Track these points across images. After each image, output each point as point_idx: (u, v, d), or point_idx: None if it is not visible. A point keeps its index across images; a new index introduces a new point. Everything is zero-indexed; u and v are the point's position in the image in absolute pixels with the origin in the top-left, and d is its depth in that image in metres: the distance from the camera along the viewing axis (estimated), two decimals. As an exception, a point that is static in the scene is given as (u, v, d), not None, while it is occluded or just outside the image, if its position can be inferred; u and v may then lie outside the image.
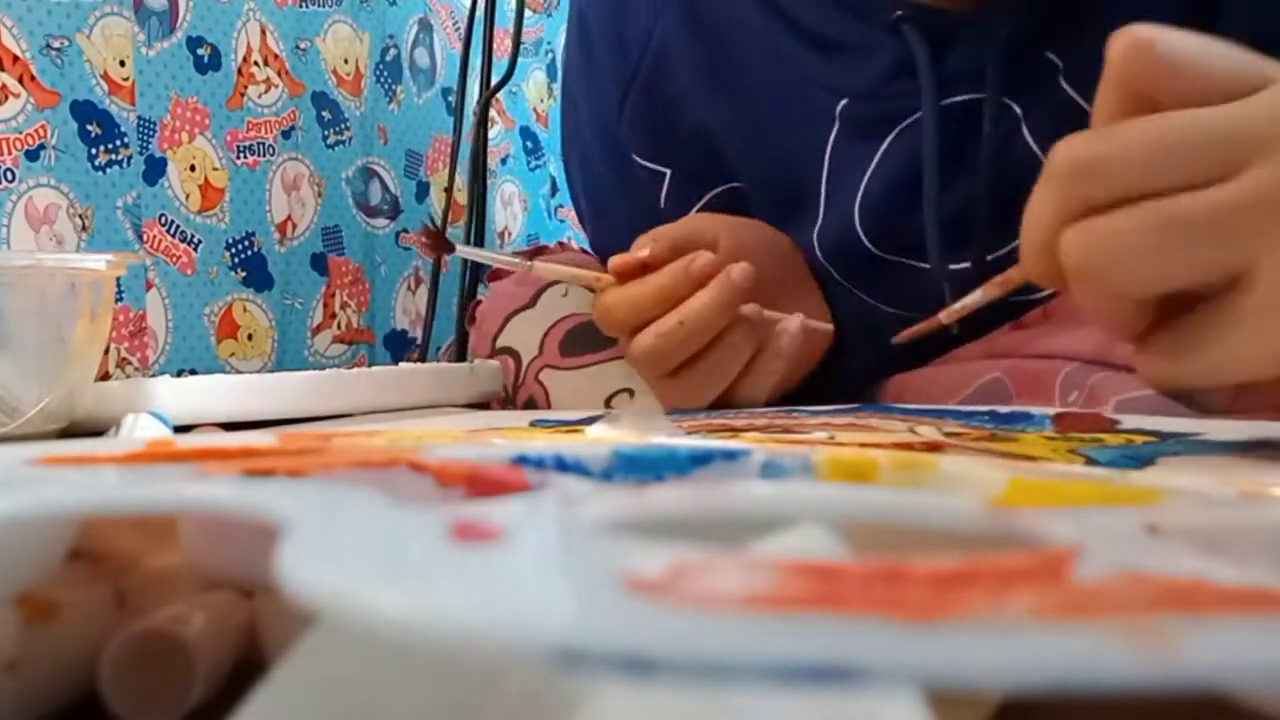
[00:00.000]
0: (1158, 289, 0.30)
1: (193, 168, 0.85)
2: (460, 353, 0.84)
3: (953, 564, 0.10)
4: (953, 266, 0.57)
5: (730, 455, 0.20)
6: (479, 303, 0.80)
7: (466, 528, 0.12)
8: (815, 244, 0.62)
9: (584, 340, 0.67)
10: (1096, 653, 0.08)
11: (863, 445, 0.29)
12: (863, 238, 0.61)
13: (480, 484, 0.17)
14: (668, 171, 0.66)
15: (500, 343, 0.71)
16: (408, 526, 0.12)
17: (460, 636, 0.09)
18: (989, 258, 0.57)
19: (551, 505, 0.14)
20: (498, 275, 0.84)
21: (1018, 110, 0.56)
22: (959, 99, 0.56)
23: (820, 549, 0.13)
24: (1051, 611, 0.09)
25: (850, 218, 0.61)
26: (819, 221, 0.62)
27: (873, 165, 0.59)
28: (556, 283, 0.72)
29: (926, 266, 0.58)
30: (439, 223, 0.97)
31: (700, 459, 0.19)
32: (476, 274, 0.87)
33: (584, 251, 0.89)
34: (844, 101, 0.59)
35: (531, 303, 0.71)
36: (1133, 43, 0.31)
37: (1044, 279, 0.32)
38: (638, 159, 0.66)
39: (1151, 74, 0.31)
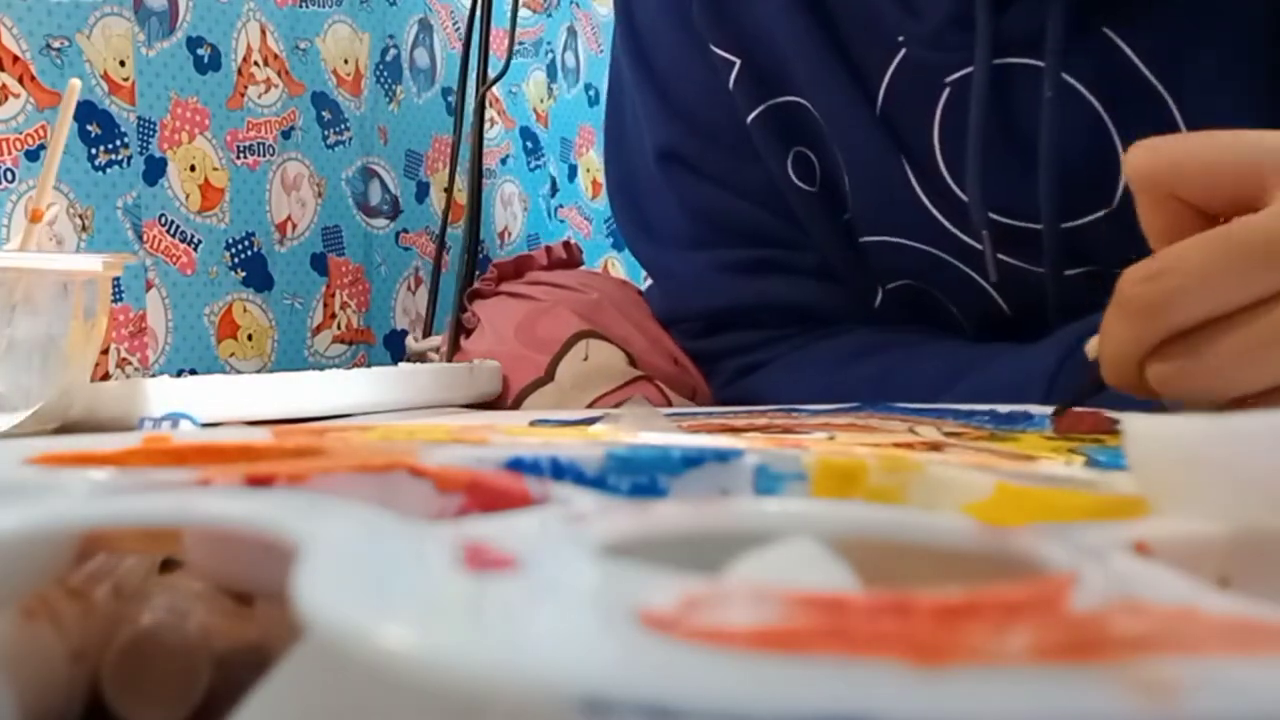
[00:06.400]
0: (1257, 388, 0.31)
1: (193, 168, 0.85)
2: (452, 351, 0.82)
3: (956, 595, 0.10)
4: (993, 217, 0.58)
5: (722, 456, 0.20)
6: (471, 323, 0.77)
7: (478, 554, 0.12)
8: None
9: None
10: (1101, 703, 0.08)
11: (861, 445, 0.29)
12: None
13: (480, 492, 0.17)
14: (738, 62, 0.66)
15: None
16: (420, 552, 0.12)
17: (484, 682, 0.09)
18: (1063, 226, 0.57)
19: (558, 525, 0.14)
20: (479, 296, 0.81)
21: (1073, 81, 0.55)
22: (1014, 60, 0.56)
23: (812, 561, 0.13)
24: (1054, 652, 0.09)
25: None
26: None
27: (937, 116, 0.59)
28: (574, 342, 0.69)
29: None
30: (439, 223, 0.98)
31: (692, 460, 0.20)
32: (472, 274, 0.86)
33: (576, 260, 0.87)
34: (902, 42, 0.59)
35: (549, 375, 0.67)
36: (1142, 151, 0.33)
37: (1138, 394, 0.33)
38: (711, 46, 0.67)
39: (1167, 181, 0.32)
